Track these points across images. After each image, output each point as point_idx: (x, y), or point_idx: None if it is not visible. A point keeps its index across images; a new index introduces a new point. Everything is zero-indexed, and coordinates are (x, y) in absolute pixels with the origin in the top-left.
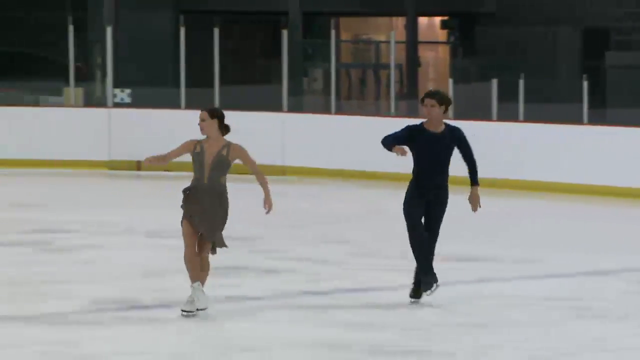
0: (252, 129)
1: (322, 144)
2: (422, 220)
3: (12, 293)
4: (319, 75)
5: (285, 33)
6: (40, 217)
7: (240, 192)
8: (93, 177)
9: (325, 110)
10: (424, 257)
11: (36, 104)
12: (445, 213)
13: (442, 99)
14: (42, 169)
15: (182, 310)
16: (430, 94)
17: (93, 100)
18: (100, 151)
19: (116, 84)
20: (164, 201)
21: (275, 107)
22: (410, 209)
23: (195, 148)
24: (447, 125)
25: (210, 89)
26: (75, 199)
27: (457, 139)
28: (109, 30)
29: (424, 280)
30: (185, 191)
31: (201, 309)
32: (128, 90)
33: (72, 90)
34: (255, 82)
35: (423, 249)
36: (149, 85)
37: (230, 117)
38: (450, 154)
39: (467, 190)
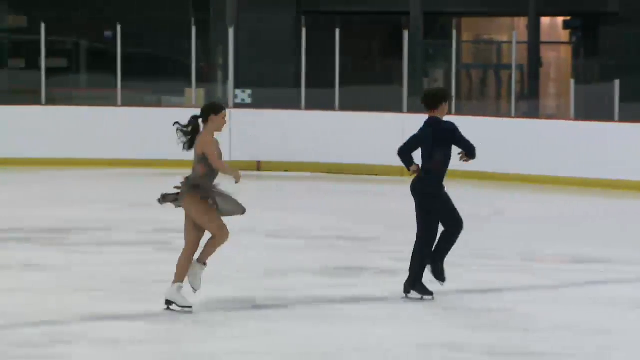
0: (372, 130)
1: None
2: None
3: (132, 292)
4: (440, 76)
5: (406, 33)
6: (160, 217)
7: (355, 194)
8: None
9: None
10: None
11: (158, 104)
12: None
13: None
14: (163, 169)
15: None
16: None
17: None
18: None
19: (237, 85)
20: (284, 201)
21: (395, 107)
22: None
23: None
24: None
25: (330, 89)
26: None
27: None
28: (230, 31)
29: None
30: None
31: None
32: (249, 91)
33: (194, 91)
34: (375, 83)
35: None
36: (270, 85)
37: (350, 117)
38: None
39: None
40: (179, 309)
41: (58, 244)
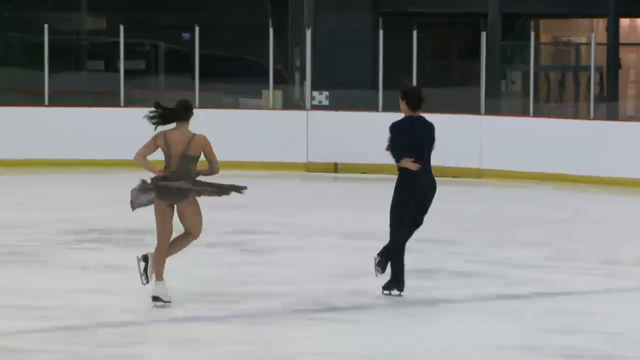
0: (450, 132)
1: (520, 147)
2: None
3: (210, 293)
4: (518, 78)
5: (484, 35)
6: (239, 218)
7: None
8: (291, 179)
9: (524, 112)
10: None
11: (236, 106)
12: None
13: (402, 94)
14: (241, 171)
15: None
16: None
17: (291, 103)
18: (298, 153)
19: (315, 87)
20: (361, 203)
21: (473, 109)
22: None
23: None
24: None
25: None
26: (273, 201)
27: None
28: (308, 33)
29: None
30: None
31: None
32: (326, 93)
33: (271, 93)
34: (453, 84)
35: None
36: (347, 87)
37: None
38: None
39: None
40: (162, 304)
41: (137, 245)
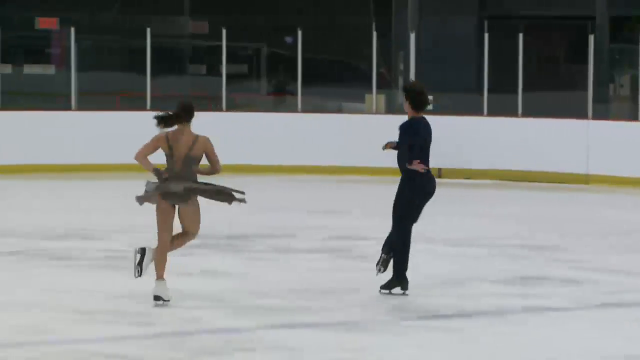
0: (556, 136)
1: (628, 152)
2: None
3: (310, 299)
4: (626, 82)
5: (591, 38)
6: (340, 224)
7: (537, 202)
8: (394, 184)
9: (632, 117)
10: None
11: (339, 110)
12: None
13: (406, 94)
14: (343, 176)
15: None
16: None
17: (395, 107)
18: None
19: None
20: (465, 209)
21: (580, 114)
22: None
23: None
24: (409, 119)
25: (513, 95)
26: (377, 206)
27: (399, 129)
28: (412, 36)
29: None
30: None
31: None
32: (430, 97)
33: (374, 97)
34: (559, 88)
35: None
36: (451, 91)
37: (533, 124)
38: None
39: None
40: (162, 302)
41: (238, 250)
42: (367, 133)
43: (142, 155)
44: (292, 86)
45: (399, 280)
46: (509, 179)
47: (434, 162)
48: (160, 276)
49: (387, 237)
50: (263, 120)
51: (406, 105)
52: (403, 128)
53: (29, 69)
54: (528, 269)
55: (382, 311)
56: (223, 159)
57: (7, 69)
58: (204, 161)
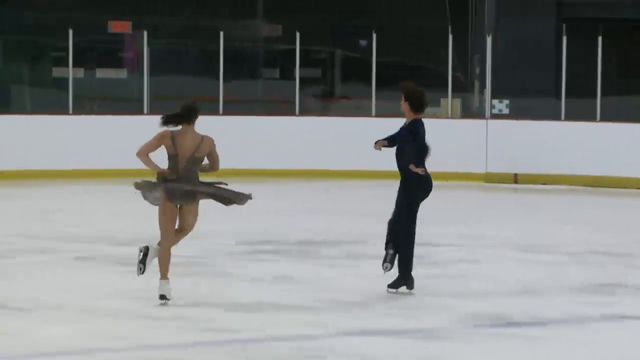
0: (635, 141)
1: None
2: None
3: (383, 306)
4: None
5: None
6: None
7: (615, 208)
8: (469, 189)
9: None
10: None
11: None
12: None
13: (406, 95)
14: None
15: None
16: (403, 87)
17: (471, 112)
18: (477, 163)
19: (495, 95)
20: (541, 215)
21: None
22: None
23: None
24: (411, 122)
25: (591, 99)
26: (451, 212)
27: (412, 131)
28: (488, 40)
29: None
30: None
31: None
32: (506, 101)
33: (450, 101)
34: (638, 93)
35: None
36: (528, 95)
37: (612, 129)
38: (401, 145)
39: None
40: (164, 302)
41: (309, 256)
42: (442, 138)
43: (144, 153)
44: (366, 91)
45: (405, 279)
46: (587, 185)
47: (510, 167)
48: (164, 276)
49: (389, 233)
50: (337, 125)
51: (405, 107)
52: (414, 129)
53: (101, 73)
54: (606, 276)
55: (456, 318)
56: (295, 165)
57: (80, 72)
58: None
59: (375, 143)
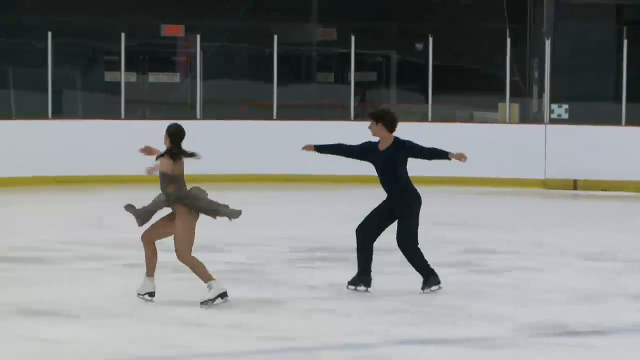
0: None
1: None
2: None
3: (441, 314)
4: None
5: None
6: (472, 237)
7: None
8: (528, 196)
9: None
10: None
11: (470, 120)
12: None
13: (376, 117)
14: (475, 187)
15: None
16: (369, 114)
17: (529, 117)
18: (535, 169)
19: (553, 99)
20: (601, 222)
21: None
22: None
23: None
24: (394, 141)
25: None
26: (509, 219)
27: (403, 150)
28: (547, 43)
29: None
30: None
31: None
32: (565, 106)
33: (508, 106)
34: None
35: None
36: (588, 100)
37: None
38: (394, 166)
39: None
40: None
41: None
42: (499, 143)
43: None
44: (422, 95)
45: (429, 275)
46: None
47: (569, 173)
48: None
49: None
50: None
51: (379, 128)
52: (404, 145)
53: (154, 77)
54: None
55: (514, 327)
56: (352, 171)
57: (132, 77)
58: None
59: (305, 146)
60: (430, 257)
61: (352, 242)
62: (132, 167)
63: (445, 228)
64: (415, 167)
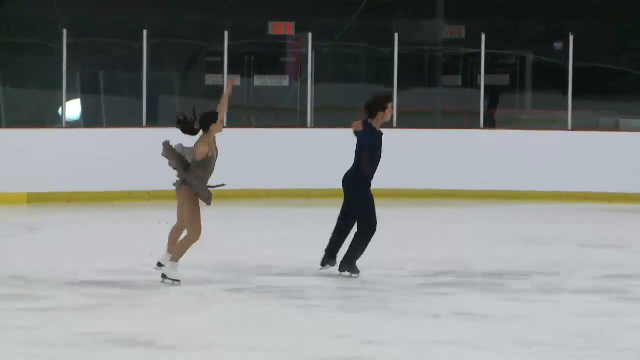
0: None
1: None
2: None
3: (583, 347)
4: None
5: None
6: (619, 260)
7: None
8: None
9: None
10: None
11: (615, 128)
12: None
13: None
14: (619, 204)
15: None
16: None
17: None
18: None
19: None
20: None
21: None
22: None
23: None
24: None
25: None
26: None
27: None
28: None
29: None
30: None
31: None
32: None
33: None
34: None
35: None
36: None
37: None
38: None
39: None
40: (170, 282)
41: (496, 290)
42: None
43: None
44: (561, 100)
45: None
46: None
47: None
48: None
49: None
50: (528, 139)
51: (388, 114)
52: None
53: (260, 81)
54: None
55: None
56: (477, 184)
57: (236, 80)
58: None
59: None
60: (572, 282)
61: (482, 264)
62: (235, 181)
63: (587, 249)
64: (553, 179)
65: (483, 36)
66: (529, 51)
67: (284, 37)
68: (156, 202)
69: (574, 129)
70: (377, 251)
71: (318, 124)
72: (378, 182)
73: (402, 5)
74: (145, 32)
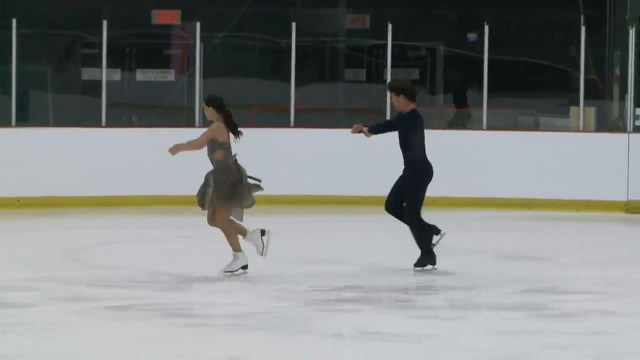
0: None
1: None
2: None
3: None
4: None
5: None
6: (537, 273)
7: None
8: (607, 222)
9: None
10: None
11: (535, 127)
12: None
13: (395, 89)
14: (541, 211)
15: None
16: (389, 86)
17: (608, 124)
18: (616, 189)
19: (639, 102)
20: None
21: None
22: None
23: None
24: (413, 109)
25: None
26: (585, 251)
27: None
28: (631, 33)
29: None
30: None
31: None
32: None
33: (581, 110)
34: None
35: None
36: None
37: None
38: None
39: None
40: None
41: (405, 306)
42: (572, 155)
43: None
44: (475, 97)
45: (428, 256)
46: None
47: None
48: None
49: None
50: (439, 140)
51: (401, 100)
52: (412, 119)
53: (143, 75)
54: None
55: None
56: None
57: (116, 74)
58: None
59: (354, 128)
60: (487, 298)
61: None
62: (117, 187)
63: (504, 262)
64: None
65: (390, 26)
66: (440, 43)
67: (169, 26)
68: (25, 210)
69: (489, 128)
70: (274, 265)
71: (207, 122)
72: (269, 188)
73: None
74: (14, 21)
